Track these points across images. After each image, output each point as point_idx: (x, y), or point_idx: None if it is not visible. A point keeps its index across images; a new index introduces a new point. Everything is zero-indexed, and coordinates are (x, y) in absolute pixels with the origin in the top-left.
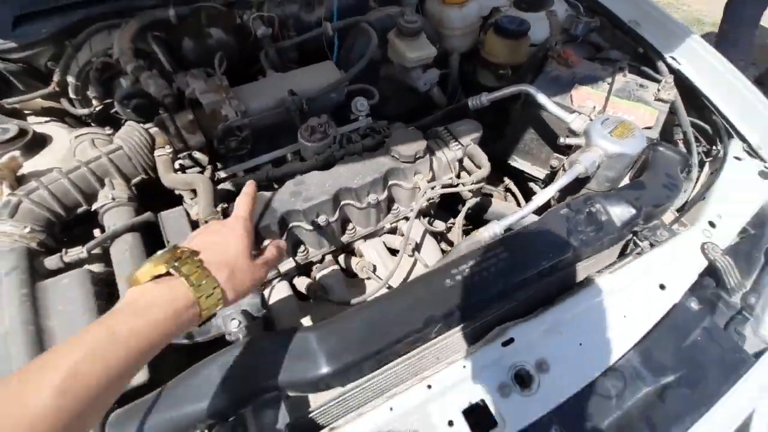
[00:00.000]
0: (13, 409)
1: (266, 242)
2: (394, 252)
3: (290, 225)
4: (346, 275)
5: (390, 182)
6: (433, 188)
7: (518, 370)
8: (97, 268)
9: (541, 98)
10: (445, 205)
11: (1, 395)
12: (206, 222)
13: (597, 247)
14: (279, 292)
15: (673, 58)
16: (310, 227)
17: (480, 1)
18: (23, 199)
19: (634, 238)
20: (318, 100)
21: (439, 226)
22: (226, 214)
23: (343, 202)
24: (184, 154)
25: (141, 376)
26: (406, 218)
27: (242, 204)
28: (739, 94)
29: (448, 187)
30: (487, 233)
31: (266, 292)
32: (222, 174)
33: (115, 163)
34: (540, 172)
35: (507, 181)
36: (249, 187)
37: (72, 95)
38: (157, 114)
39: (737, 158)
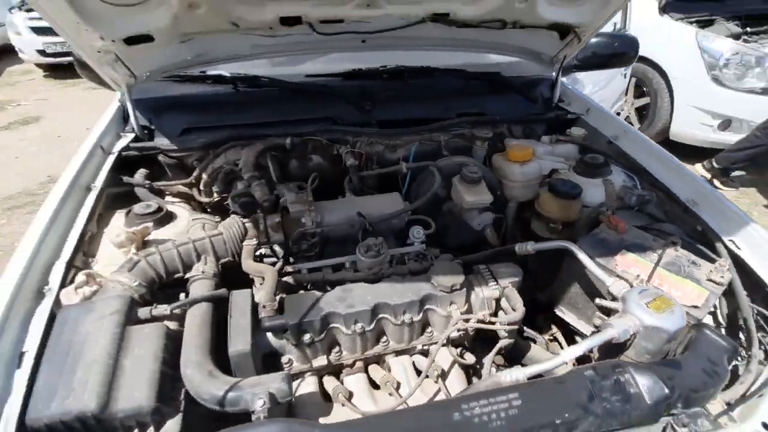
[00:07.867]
0: None
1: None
2: (420, 373)
3: (330, 325)
4: (372, 385)
5: (426, 306)
6: (466, 320)
7: None
8: (173, 325)
9: (582, 257)
10: (484, 341)
11: None
12: (264, 306)
13: (623, 421)
14: (307, 385)
15: (733, 242)
16: (348, 331)
17: (541, 162)
18: (142, 259)
19: (671, 422)
20: (381, 223)
21: (469, 358)
22: (281, 304)
23: (380, 315)
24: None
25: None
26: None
27: None
28: None
29: (480, 323)
30: (509, 377)
31: (296, 383)
32: (289, 268)
33: (213, 244)
34: (586, 328)
35: (554, 330)
36: None
37: (201, 187)
38: (255, 213)
39: None
